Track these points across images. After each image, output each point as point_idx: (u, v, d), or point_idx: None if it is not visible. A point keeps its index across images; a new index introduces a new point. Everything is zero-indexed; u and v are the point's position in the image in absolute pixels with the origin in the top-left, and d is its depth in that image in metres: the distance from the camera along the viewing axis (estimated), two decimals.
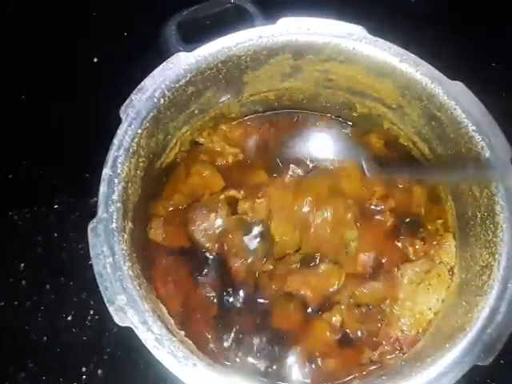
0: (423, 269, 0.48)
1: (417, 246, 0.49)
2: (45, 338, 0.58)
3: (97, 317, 0.58)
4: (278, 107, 0.57)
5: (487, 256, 0.43)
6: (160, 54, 0.50)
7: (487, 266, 0.42)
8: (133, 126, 0.44)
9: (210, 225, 0.49)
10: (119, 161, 0.42)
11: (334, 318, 0.46)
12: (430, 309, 0.47)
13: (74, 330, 0.58)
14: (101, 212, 0.41)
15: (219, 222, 0.49)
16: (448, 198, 0.52)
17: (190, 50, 0.48)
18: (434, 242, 0.49)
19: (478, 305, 0.40)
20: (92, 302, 0.59)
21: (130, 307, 0.38)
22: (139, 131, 0.44)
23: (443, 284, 0.47)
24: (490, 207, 0.44)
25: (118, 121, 0.45)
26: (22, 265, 0.61)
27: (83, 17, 0.71)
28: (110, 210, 0.41)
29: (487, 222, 0.44)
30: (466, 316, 0.40)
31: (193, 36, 0.53)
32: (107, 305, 0.38)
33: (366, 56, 0.48)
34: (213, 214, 0.49)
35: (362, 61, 0.49)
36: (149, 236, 0.49)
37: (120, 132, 0.43)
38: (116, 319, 0.38)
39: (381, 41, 0.48)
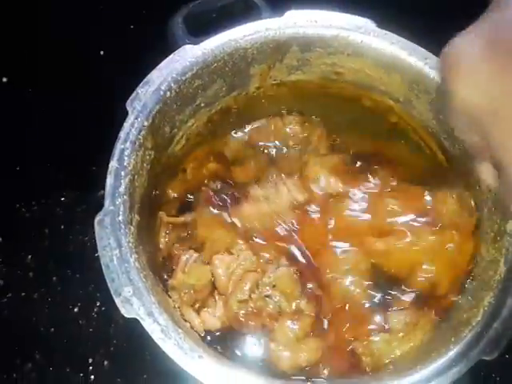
0: None
1: None
2: (52, 330, 0.58)
3: (103, 309, 0.59)
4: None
5: (494, 251, 0.43)
6: (167, 47, 0.50)
7: (494, 261, 0.42)
8: (139, 119, 0.44)
9: None
10: (126, 153, 0.43)
11: None
12: None
13: (80, 321, 0.59)
14: (108, 204, 0.41)
15: None
16: None
17: (197, 43, 0.48)
18: None
19: (484, 299, 0.40)
20: (98, 295, 0.59)
21: (137, 299, 0.38)
22: (145, 124, 0.44)
23: None
24: (496, 201, 0.44)
25: (125, 114, 0.45)
26: (30, 257, 0.61)
27: (90, 9, 0.71)
28: (117, 203, 0.41)
29: (494, 216, 0.44)
30: (471, 311, 0.40)
31: (200, 29, 0.53)
32: (114, 296, 0.38)
33: (374, 49, 0.48)
34: None
35: (370, 54, 0.48)
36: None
37: (126, 125, 0.44)
38: (122, 311, 0.38)
39: (389, 34, 0.47)
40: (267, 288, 0.46)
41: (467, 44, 0.32)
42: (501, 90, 0.29)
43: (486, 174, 0.34)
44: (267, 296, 0.45)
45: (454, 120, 0.34)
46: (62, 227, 0.63)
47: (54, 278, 0.60)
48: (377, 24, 0.47)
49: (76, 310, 0.59)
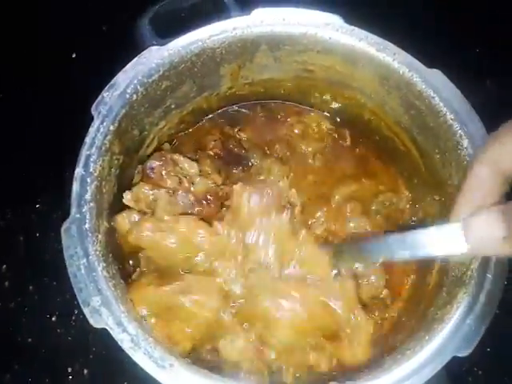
0: None
1: None
2: (29, 340, 0.57)
3: (81, 316, 0.57)
4: (256, 99, 0.56)
5: None
6: (135, 49, 0.49)
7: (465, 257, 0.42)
8: (105, 124, 0.43)
9: None
10: (91, 159, 0.42)
11: None
12: None
13: (58, 330, 0.58)
14: (74, 212, 0.40)
15: None
16: None
17: (165, 44, 0.47)
18: None
19: (458, 295, 0.40)
20: (76, 302, 0.56)
21: (105, 308, 0.38)
22: (111, 128, 0.43)
23: None
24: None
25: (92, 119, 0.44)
26: (5, 266, 0.60)
27: (64, 11, 0.70)
28: (83, 210, 0.40)
29: None
30: (445, 307, 0.40)
31: (168, 29, 0.52)
32: (82, 306, 0.38)
33: (342, 45, 0.47)
34: None
35: (340, 50, 0.48)
36: None
37: (92, 130, 0.43)
38: (91, 321, 0.38)
39: (357, 30, 0.47)
40: None
41: None
42: None
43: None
44: None
45: None
46: (38, 235, 0.62)
47: (31, 287, 0.59)
48: (344, 20, 0.47)
49: (54, 318, 0.58)
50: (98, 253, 0.39)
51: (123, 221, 0.45)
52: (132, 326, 0.38)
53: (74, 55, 0.69)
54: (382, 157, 0.55)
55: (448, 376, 0.50)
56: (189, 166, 0.49)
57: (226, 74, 0.51)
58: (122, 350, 0.54)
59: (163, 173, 0.47)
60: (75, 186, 0.41)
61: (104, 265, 0.39)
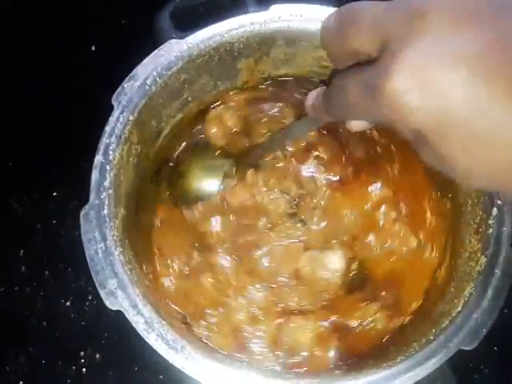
0: None
1: None
2: (44, 323, 0.59)
3: (95, 302, 0.60)
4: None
5: (476, 242, 0.43)
6: (155, 42, 0.50)
7: (475, 252, 0.42)
8: (124, 114, 0.44)
9: None
10: (111, 148, 0.43)
11: None
12: None
13: (72, 315, 0.59)
14: (93, 198, 0.41)
15: None
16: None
17: (184, 38, 0.48)
18: None
19: (465, 290, 0.40)
20: (90, 288, 0.60)
21: (121, 291, 0.39)
22: (131, 118, 0.44)
23: None
24: (479, 194, 0.44)
25: (112, 109, 0.45)
26: (22, 252, 0.62)
27: (82, 4, 0.71)
28: (102, 197, 0.41)
29: (477, 208, 0.44)
30: (452, 302, 0.41)
31: (187, 23, 0.53)
32: (98, 289, 0.39)
33: None
34: None
35: None
36: None
37: (112, 119, 0.44)
38: (107, 303, 0.39)
39: None
40: None
41: None
42: None
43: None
44: None
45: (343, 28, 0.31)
46: (54, 222, 0.63)
47: (47, 273, 0.61)
48: None
49: (68, 303, 0.60)
50: (115, 238, 0.41)
51: None
52: (147, 309, 0.39)
53: (93, 48, 0.71)
54: None
55: (454, 373, 0.51)
56: None
57: (242, 68, 0.52)
58: (134, 336, 0.56)
59: None
60: (95, 173, 0.42)
61: (121, 249, 0.41)
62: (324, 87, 0.35)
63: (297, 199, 0.53)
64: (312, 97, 0.36)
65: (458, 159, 0.25)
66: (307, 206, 0.53)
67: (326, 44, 0.33)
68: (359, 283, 0.49)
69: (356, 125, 0.34)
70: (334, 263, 0.48)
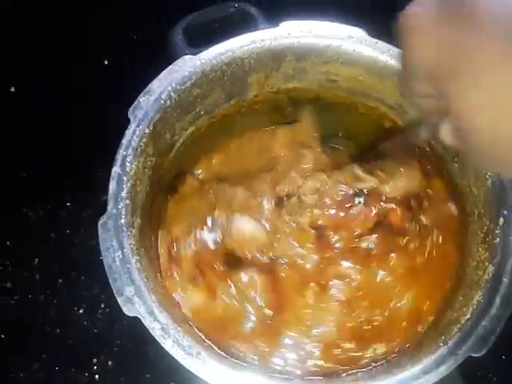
0: None
1: None
2: (58, 330, 0.60)
3: (107, 310, 0.61)
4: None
5: (483, 251, 0.44)
6: (168, 58, 0.52)
7: (483, 261, 0.43)
8: (140, 127, 0.46)
9: None
10: (128, 160, 0.44)
11: None
12: None
13: (85, 322, 0.61)
14: (110, 208, 0.43)
15: None
16: None
17: (196, 53, 0.50)
18: None
19: (474, 298, 0.41)
20: (103, 296, 0.61)
21: (138, 298, 0.40)
22: (147, 131, 0.46)
23: None
24: (486, 205, 0.45)
25: (127, 122, 0.47)
26: (36, 260, 0.63)
27: (95, 20, 0.73)
28: (119, 207, 0.43)
29: (484, 218, 0.45)
30: (461, 310, 0.42)
31: (199, 40, 0.55)
32: (116, 296, 0.40)
33: (366, 57, 0.50)
34: None
35: (363, 62, 0.50)
36: None
37: (128, 132, 0.45)
38: (124, 309, 0.40)
39: (380, 43, 0.49)
40: None
41: (419, 5, 0.31)
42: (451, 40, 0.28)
43: (444, 134, 0.33)
44: None
45: (409, 83, 0.33)
46: (68, 231, 0.65)
47: (60, 281, 0.62)
48: (368, 33, 0.49)
49: (81, 311, 0.61)
50: (132, 246, 0.42)
51: None
52: (163, 315, 0.40)
53: (105, 62, 0.73)
54: None
55: (463, 379, 0.51)
56: None
57: (253, 82, 0.54)
58: (146, 343, 0.57)
59: None
60: (112, 184, 0.44)
61: (137, 257, 0.42)
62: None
63: None
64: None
65: None
66: None
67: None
68: None
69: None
70: None
